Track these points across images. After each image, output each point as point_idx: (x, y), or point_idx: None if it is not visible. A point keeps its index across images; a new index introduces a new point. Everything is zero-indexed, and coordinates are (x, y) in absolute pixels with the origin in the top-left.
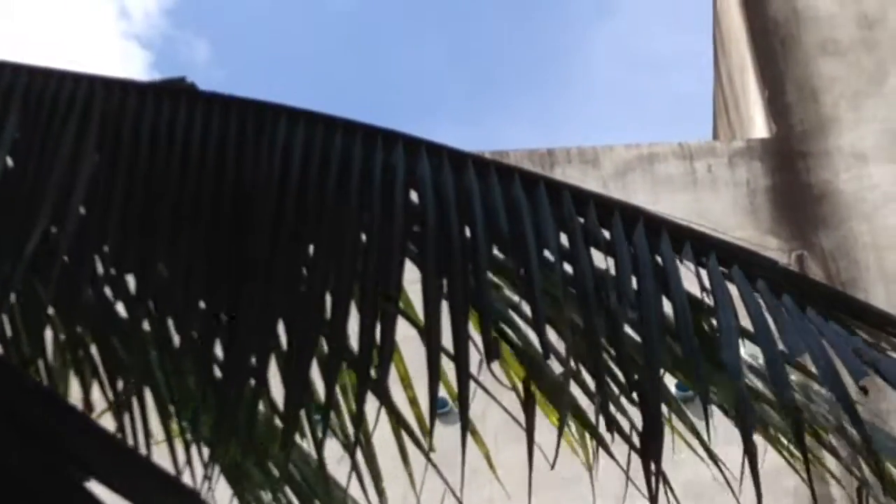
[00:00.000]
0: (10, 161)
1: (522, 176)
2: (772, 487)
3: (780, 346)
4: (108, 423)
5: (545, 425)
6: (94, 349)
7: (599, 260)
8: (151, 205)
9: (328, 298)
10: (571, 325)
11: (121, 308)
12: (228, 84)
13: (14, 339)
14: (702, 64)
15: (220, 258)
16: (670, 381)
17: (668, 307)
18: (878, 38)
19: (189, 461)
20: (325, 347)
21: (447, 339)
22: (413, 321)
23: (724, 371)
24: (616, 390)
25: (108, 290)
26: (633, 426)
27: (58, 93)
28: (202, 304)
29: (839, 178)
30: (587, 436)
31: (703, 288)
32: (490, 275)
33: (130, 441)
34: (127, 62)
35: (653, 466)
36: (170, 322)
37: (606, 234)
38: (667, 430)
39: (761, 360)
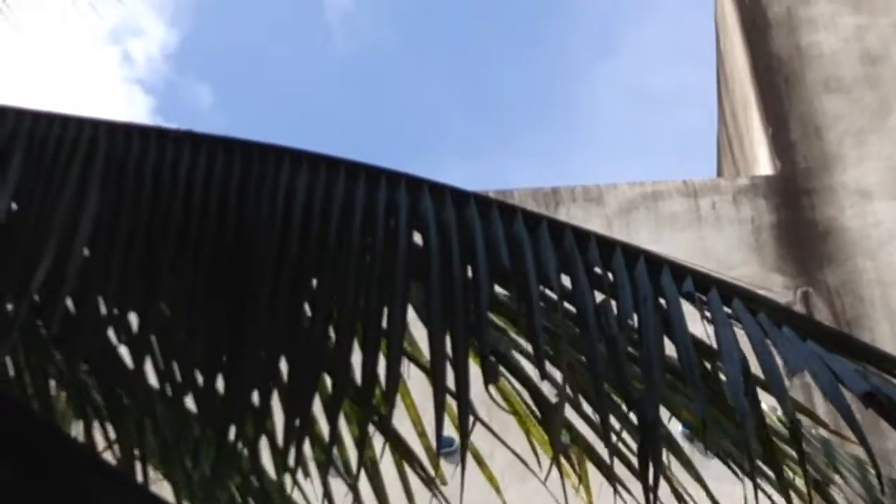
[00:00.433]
0: (14, 204)
1: (525, 215)
2: None
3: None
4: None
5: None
6: (95, 387)
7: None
8: (154, 246)
9: (331, 337)
10: (571, 362)
11: (122, 347)
12: (231, 128)
13: (17, 378)
14: (705, 100)
15: (222, 299)
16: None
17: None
18: (881, 74)
19: (190, 497)
20: (329, 386)
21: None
22: (416, 361)
23: (729, 409)
24: (617, 425)
25: (110, 330)
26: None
27: (62, 136)
28: (203, 345)
29: (844, 214)
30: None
31: (703, 316)
32: (493, 316)
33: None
34: (130, 107)
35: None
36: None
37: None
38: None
39: (779, 412)
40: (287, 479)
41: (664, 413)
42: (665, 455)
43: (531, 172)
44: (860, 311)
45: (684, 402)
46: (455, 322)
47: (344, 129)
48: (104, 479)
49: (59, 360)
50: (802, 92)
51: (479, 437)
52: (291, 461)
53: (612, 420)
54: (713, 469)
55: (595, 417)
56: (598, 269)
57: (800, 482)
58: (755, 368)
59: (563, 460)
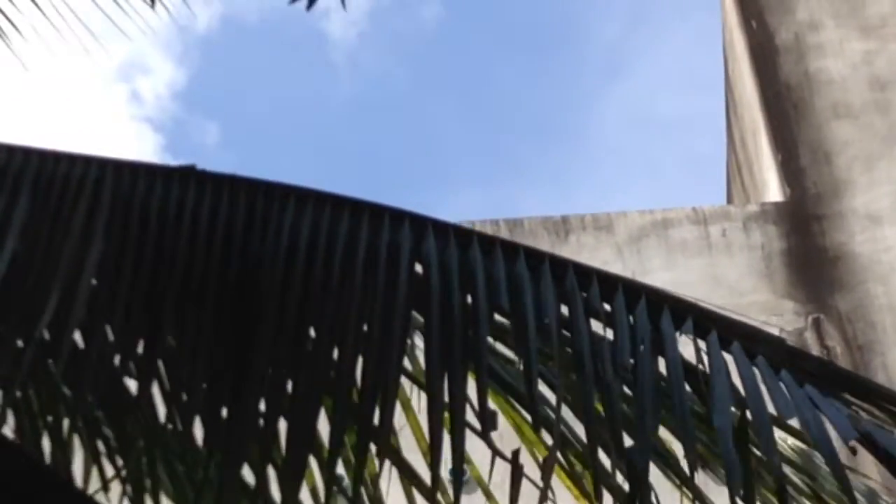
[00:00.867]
0: (21, 243)
1: (528, 254)
2: None
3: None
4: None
5: (567, 498)
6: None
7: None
8: (159, 284)
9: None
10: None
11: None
12: (239, 165)
13: (28, 413)
14: (715, 126)
15: (226, 337)
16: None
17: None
18: (891, 99)
19: None
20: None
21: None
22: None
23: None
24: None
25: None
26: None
27: (68, 175)
28: (207, 382)
29: (854, 240)
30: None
31: (699, 360)
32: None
33: None
34: (140, 145)
35: None
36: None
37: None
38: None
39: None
40: None
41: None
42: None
43: (542, 200)
44: (871, 336)
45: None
46: (453, 370)
47: (353, 164)
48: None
49: (68, 394)
50: (811, 118)
51: (487, 463)
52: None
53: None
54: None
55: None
56: (598, 309)
57: None
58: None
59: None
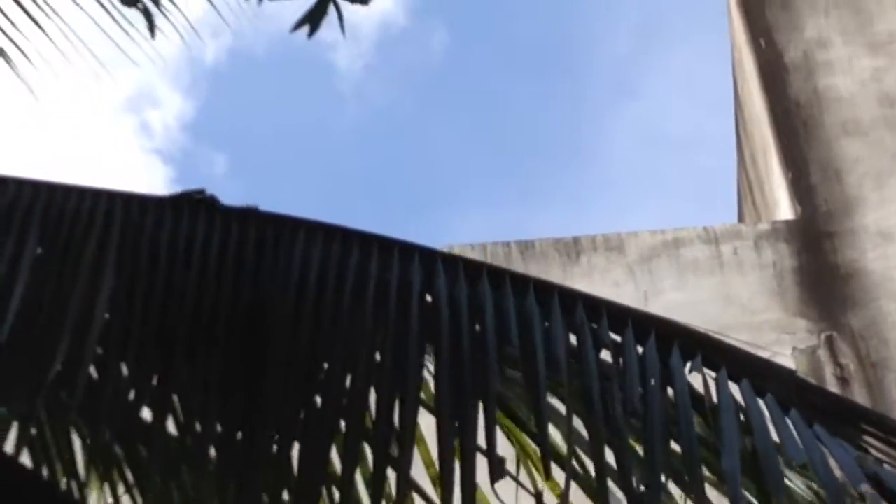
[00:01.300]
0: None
1: (537, 288)
2: None
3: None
4: None
5: None
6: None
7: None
8: (170, 318)
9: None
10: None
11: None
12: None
13: (42, 446)
14: (725, 145)
15: (237, 369)
16: None
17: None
18: None
19: None
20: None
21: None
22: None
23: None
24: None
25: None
26: None
27: (78, 210)
28: (219, 415)
29: (866, 257)
30: None
31: (709, 401)
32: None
33: None
34: (149, 176)
35: None
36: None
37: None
38: None
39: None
40: None
41: None
42: None
43: (553, 221)
44: (885, 353)
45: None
46: (465, 410)
47: (363, 190)
48: None
49: (83, 426)
50: (821, 135)
51: (505, 489)
52: None
53: None
54: None
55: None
56: (607, 343)
57: None
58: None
59: None
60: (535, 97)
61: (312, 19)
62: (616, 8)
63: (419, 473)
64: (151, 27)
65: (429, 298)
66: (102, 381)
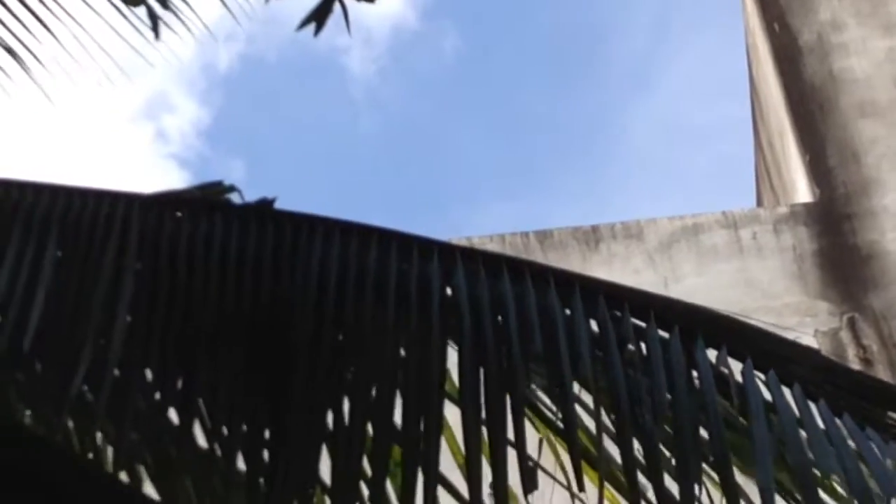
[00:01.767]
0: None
1: (557, 279)
2: None
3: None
4: None
5: None
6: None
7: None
8: (191, 320)
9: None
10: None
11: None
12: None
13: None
14: (742, 131)
15: (261, 371)
16: None
17: None
18: None
19: None
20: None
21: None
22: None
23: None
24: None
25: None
26: None
27: (96, 214)
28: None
29: (885, 237)
30: None
31: (737, 392)
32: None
33: None
34: (166, 182)
35: None
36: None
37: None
38: None
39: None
40: None
41: None
42: None
43: (571, 212)
44: None
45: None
46: (492, 407)
47: (381, 191)
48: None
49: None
50: (837, 117)
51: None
52: None
53: None
54: None
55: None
56: (630, 337)
57: None
58: None
59: None
60: (552, 92)
61: (318, 17)
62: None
63: (452, 470)
64: (156, 28)
65: (448, 293)
66: (127, 384)
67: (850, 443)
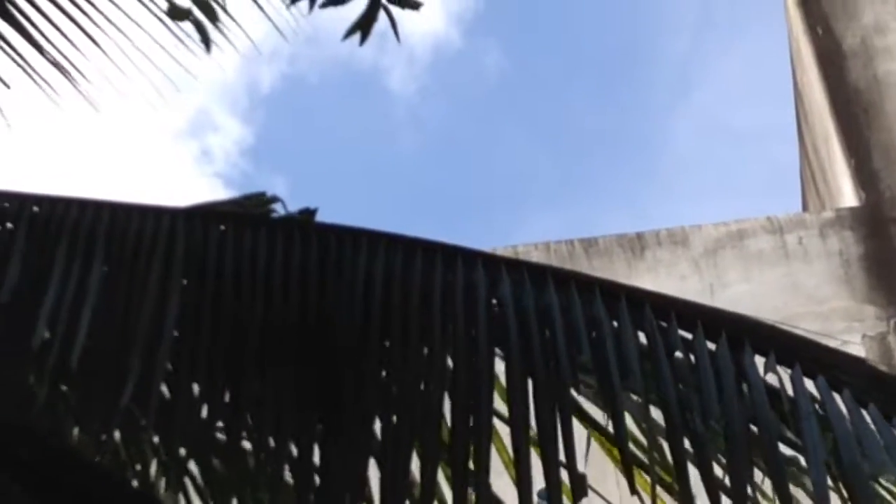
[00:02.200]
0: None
1: (603, 291)
2: None
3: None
4: None
5: None
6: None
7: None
8: (238, 334)
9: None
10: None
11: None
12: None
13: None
14: (787, 135)
15: (309, 383)
16: None
17: None
18: None
19: None
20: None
21: None
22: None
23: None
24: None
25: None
26: None
27: (141, 230)
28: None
29: None
30: None
31: (786, 400)
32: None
33: None
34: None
35: None
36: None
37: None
38: None
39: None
40: None
41: None
42: None
43: (617, 217)
44: None
45: None
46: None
47: (425, 204)
48: None
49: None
50: (882, 121)
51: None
52: None
53: None
54: None
55: None
56: (678, 346)
57: None
58: None
59: None
60: (595, 100)
61: (363, 27)
62: (673, 5)
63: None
64: (206, 41)
65: (495, 304)
66: (174, 399)
67: None
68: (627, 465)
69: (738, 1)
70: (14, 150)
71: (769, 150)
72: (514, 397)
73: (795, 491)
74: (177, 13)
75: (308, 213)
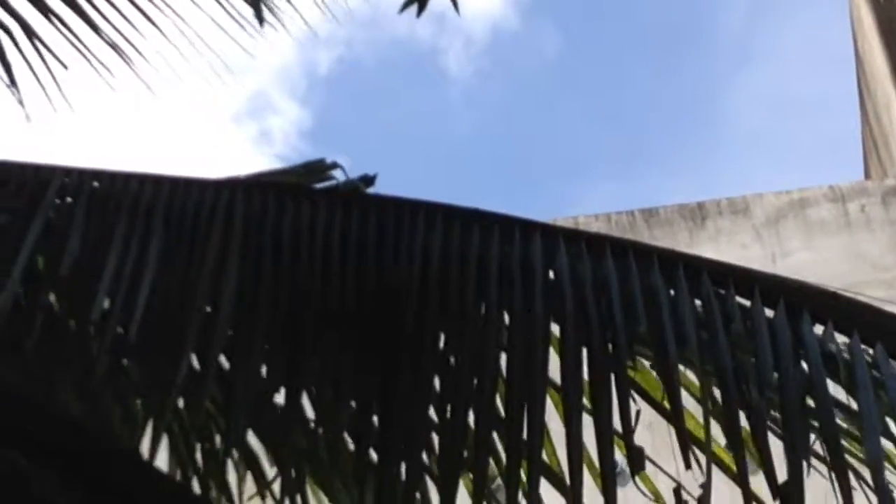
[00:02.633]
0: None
1: (661, 258)
2: None
3: None
4: None
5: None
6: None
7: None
8: (297, 306)
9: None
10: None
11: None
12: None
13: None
14: (848, 104)
15: (368, 357)
16: None
17: None
18: None
19: None
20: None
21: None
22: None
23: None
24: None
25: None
26: None
27: (200, 203)
28: (350, 401)
29: None
30: None
31: (844, 363)
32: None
33: None
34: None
35: None
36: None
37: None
38: None
39: None
40: None
41: None
42: None
43: (679, 187)
44: None
45: None
46: (596, 391)
47: (487, 178)
48: None
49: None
50: None
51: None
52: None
53: None
54: None
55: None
56: (736, 315)
57: None
58: None
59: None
60: (656, 71)
61: None
62: None
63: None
64: (260, 16)
65: (552, 275)
66: (233, 374)
67: None
68: (683, 437)
69: None
70: (73, 132)
71: (830, 118)
72: (569, 369)
73: (851, 460)
74: None
75: (368, 180)
